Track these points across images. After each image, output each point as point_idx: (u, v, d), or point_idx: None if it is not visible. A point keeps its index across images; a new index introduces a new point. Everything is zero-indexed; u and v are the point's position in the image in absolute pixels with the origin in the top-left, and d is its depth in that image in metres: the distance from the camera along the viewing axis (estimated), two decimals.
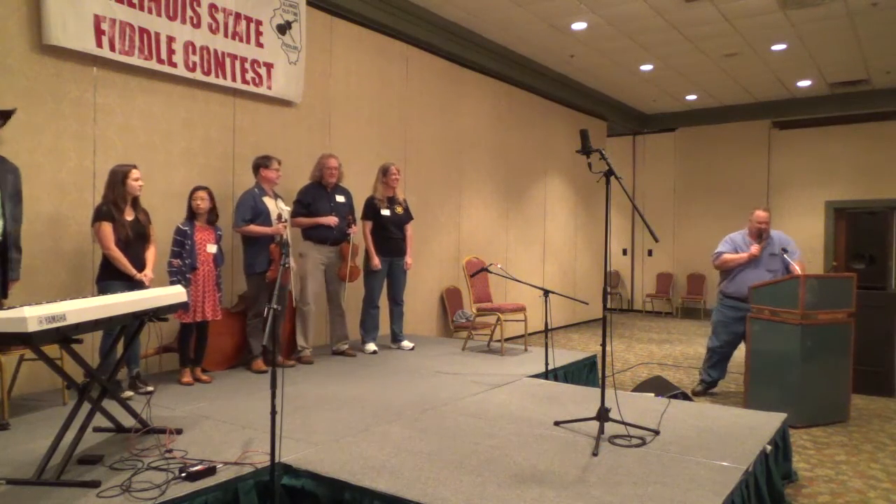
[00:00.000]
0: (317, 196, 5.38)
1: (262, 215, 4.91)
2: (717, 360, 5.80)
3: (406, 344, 5.99)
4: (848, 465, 4.03)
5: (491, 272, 5.88)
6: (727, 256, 5.70)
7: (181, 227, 4.45)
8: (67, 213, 4.40)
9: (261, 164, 5.04)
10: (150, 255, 4.26)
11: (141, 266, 4.16)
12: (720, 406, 4.41)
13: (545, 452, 3.16)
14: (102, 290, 4.00)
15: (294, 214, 5.27)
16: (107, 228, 4.01)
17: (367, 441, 3.29)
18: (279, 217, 4.91)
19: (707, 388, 5.84)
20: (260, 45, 5.50)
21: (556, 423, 3.62)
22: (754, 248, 5.57)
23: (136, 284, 4.01)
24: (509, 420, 3.74)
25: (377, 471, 2.86)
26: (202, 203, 4.49)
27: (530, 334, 6.43)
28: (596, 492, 2.67)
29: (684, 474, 2.87)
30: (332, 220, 5.31)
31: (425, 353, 5.85)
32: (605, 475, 2.86)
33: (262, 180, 5.03)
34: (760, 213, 5.62)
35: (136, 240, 4.14)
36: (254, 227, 4.87)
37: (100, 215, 4.04)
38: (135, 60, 4.62)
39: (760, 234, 5.60)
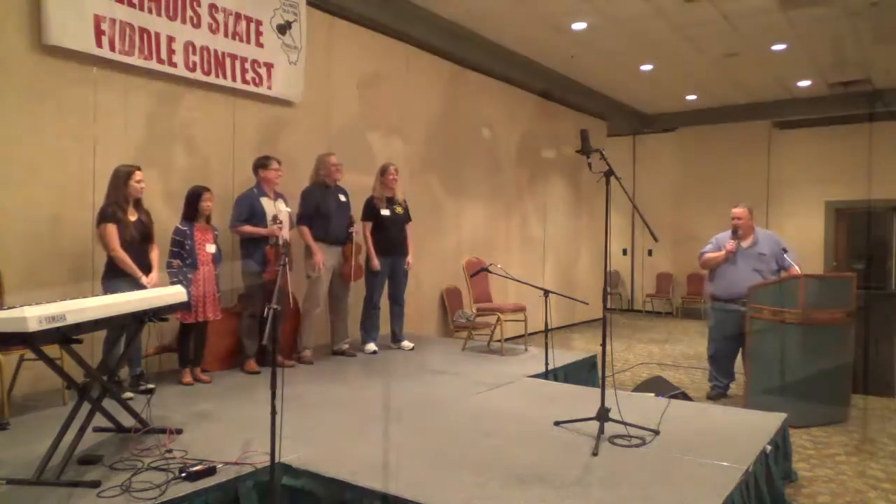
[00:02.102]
0: (323, 197, 5.38)
1: (257, 216, 4.91)
2: (717, 365, 5.74)
3: (406, 344, 5.99)
4: (848, 465, 4.03)
5: (491, 272, 5.88)
6: (708, 255, 5.73)
7: (180, 227, 4.44)
8: (68, 214, 4.39)
9: (259, 164, 5.05)
10: (155, 256, 4.26)
11: (146, 267, 4.15)
12: (720, 406, 4.42)
13: (545, 452, 3.16)
14: (108, 289, 3.97)
15: (301, 216, 5.26)
16: (111, 230, 4.00)
17: (367, 441, 3.29)
18: (274, 219, 4.89)
19: (721, 394, 5.73)
20: (260, 45, 5.50)
21: (556, 423, 3.62)
22: (729, 245, 5.56)
23: (142, 285, 4.01)
24: (509, 420, 3.74)
25: (377, 471, 2.86)
26: (209, 205, 4.52)
27: (530, 334, 6.43)
28: (596, 492, 2.67)
29: (684, 474, 2.87)
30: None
31: (425, 353, 5.84)
32: (605, 475, 2.85)
33: (261, 181, 5.03)
34: (735, 210, 5.61)
35: (140, 241, 4.13)
36: (248, 228, 4.88)
37: (104, 217, 4.02)
38: (135, 60, 4.62)
39: (736, 231, 5.59)
